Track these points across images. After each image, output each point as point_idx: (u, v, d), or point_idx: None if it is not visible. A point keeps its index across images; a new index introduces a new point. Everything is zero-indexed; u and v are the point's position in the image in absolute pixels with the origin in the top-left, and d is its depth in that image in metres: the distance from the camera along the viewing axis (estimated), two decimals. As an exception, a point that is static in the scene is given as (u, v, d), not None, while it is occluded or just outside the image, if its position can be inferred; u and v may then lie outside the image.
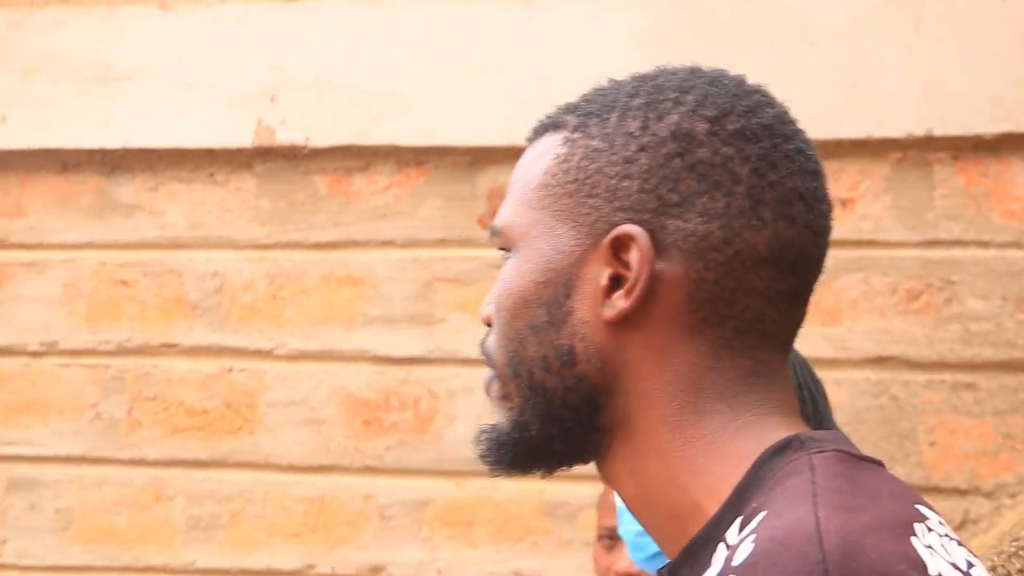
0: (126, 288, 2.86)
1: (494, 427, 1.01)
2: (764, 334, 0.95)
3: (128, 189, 2.90)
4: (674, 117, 0.96)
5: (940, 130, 2.60)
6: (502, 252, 1.02)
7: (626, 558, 2.21)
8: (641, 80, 1.00)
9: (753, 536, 0.81)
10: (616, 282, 0.94)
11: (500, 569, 2.68)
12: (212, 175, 2.88)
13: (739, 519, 0.87)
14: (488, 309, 1.02)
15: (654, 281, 0.93)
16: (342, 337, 2.78)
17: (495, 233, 1.02)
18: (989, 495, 2.47)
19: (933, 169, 2.60)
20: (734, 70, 2.82)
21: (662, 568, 0.98)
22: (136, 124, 2.88)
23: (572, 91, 2.93)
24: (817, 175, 0.99)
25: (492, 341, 1.01)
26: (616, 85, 1.02)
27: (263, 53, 2.85)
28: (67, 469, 2.82)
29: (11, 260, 2.90)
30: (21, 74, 2.91)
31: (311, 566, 2.73)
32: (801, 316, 0.99)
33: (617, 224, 0.94)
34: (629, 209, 0.94)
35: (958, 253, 2.59)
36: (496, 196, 2.78)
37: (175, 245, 2.88)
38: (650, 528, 0.98)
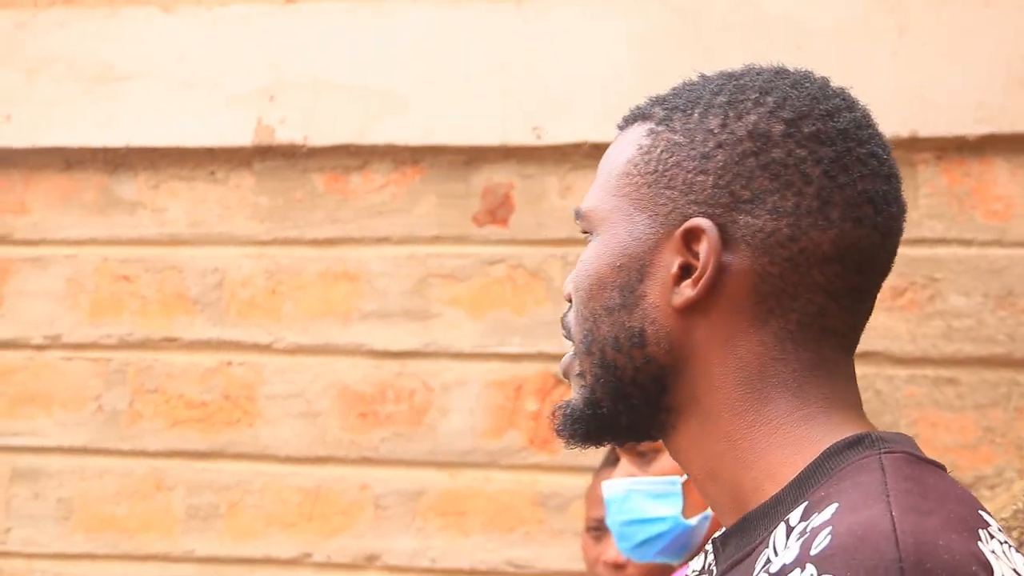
0: (128, 283, 2.92)
1: (568, 403, 1.06)
2: (825, 329, 0.99)
3: (130, 187, 2.96)
4: (752, 117, 1.00)
5: (924, 131, 2.65)
6: (585, 235, 1.07)
7: (613, 548, 2.27)
8: (727, 78, 1.05)
9: (830, 529, 0.85)
10: (685, 271, 1.00)
11: (492, 558, 2.73)
12: (212, 173, 2.93)
13: (803, 504, 0.91)
14: (569, 287, 1.07)
15: (721, 272, 0.98)
16: (339, 331, 2.84)
17: (580, 216, 1.07)
18: (969, 487, 2.53)
19: (917, 169, 2.65)
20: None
21: (716, 536, 1.04)
22: (138, 123, 2.93)
23: (567, 92, 2.98)
24: (890, 178, 1.04)
25: (571, 318, 1.06)
26: (704, 81, 1.06)
27: (263, 54, 2.91)
28: (70, 460, 2.87)
29: (15, 256, 2.95)
30: (26, 74, 2.97)
31: (307, 555, 2.78)
32: (866, 314, 1.03)
33: (690, 216, 0.99)
34: (703, 203, 0.99)
35: (941, 251, 2.64)
36: (491, 194, 2.84)
37: (176, 241, 2.93)
38: (711, 501, 1.03)
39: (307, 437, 2.81)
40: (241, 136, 2.89)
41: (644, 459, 1.91)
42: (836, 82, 2.96)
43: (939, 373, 2.62)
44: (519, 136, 2.81)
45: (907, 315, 2.62)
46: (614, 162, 1.05)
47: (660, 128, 1.03)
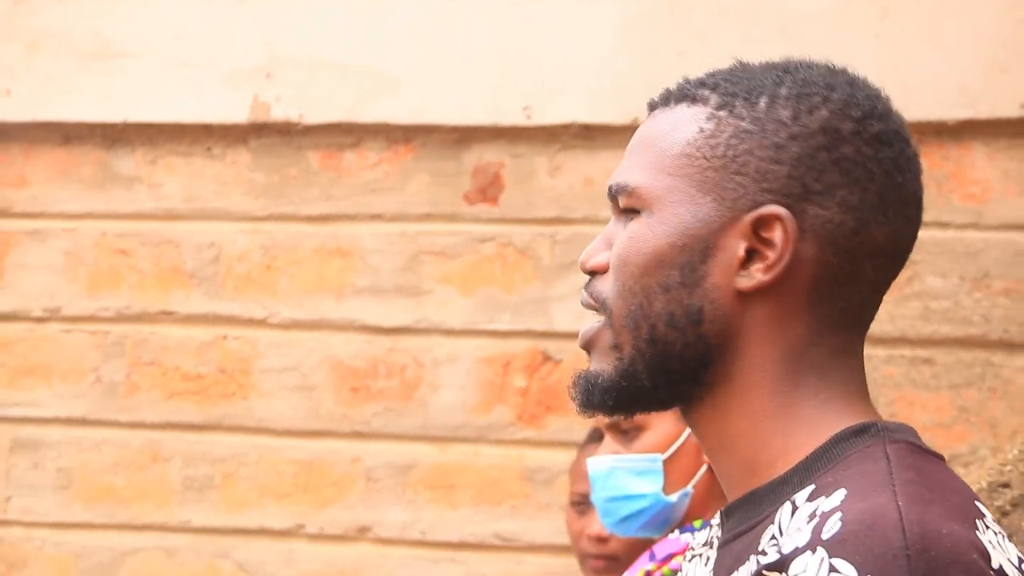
0: (125, 257, 2.98)
1: (597, 373, 1.07)
2: (859, 317, 1.05)
3: (128, 162, 3.01)
4: (824, 113, 1.04)
5: (905, 116, 2.69)
6: (621, 209, 1.08)
7: (597, 523, 2.34)
8: (783, 70, 1.07)
9: (840, 515, 0.91)
10: (749, 255, 1.03)
11: (480, 530, 2.81)
12: (209, 149, 2.99)
13: (810, 487, 0.97)
14: (598, 259, 1.08)
15: (792, 259, 1.02)
16: (332, 307, 2.90)
17: (623, 191, 1.07)
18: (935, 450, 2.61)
19: (898, 153, 2.72)
20: (712, 54, 2.94)
21: (722, 510, 1.09)
22: (136, 99, 2.98)
23: (557, 74, 3.03)
24: (921, 179, 1.11)
25: (609, 291, 1.07)
26: (753, 70, 1.09)
27: (259, 32, 2.96)
28: (68, 430, 2.95)
29: (15, 229, 3.02)
30: (25, 49, 3.02)
31: (301, 525, 2.86)
32: (880, 303, 1.09)
33: (761, 203, 1.03)
34: (776, 191, 1.03)
35: (919, 233, 2.70)
36: (481, 173, 2.90)
37: (173, 216, 2.99)
38: (722, 474, 1.08)
39: (301, 410, 2.88)
40: (237, 113, 2.95)
41: (627, 436, 1.97)
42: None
43: (916, 353, 2.69)
44: (510, 116, 2.87)
45: (885, 296, 2.68)
46: (664, 141, 1.06)
47: (722, 113, 1.05)
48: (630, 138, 3.02)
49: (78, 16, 3.02)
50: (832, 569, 0.88)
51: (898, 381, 2.69)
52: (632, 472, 1.94)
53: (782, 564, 0.92)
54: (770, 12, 2.78)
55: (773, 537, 0.98)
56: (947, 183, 2.71)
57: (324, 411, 2.88)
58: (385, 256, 2.91)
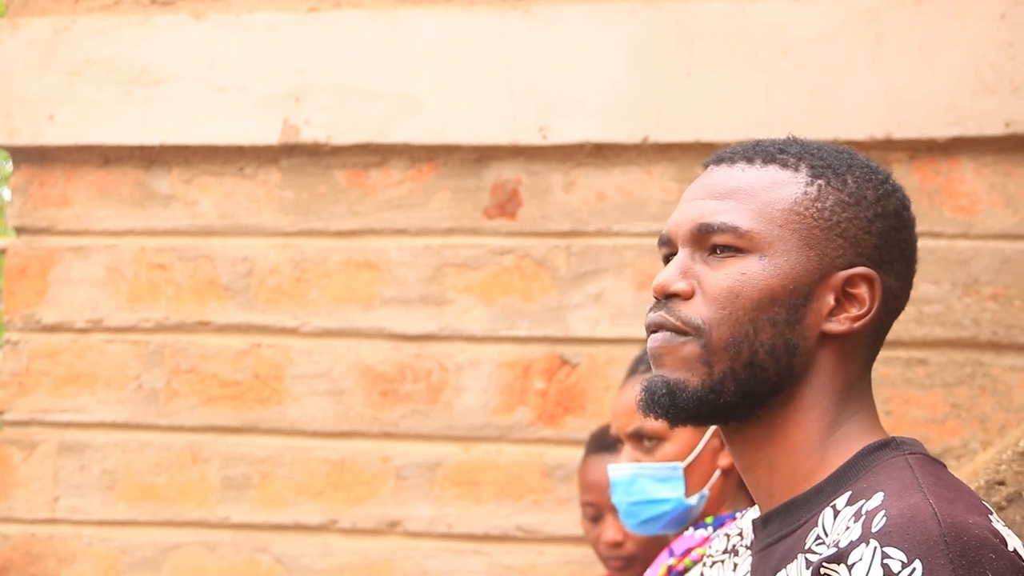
0: (164, 271, 3.12)
1: (683, 382, 1.22)
2: (875, 357, 1.28)
3: (164, 182, 3.15)
4: (894, 201, 1.27)
5: (898, 133, 2.87)
6: (712, 246, 1.24)
7: (611, 528, 2.50)
8: (844, 153, 1.28)
9: (884, 512, 1.09)
10: (836, 304, 1.23)
11: (504, 524, 2.94)
12: (241, 169, 3.13)
13: (847, 493, 1.16)
14: (680, 286, 1.23)
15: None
16: (361, 316, 3.04)
17: (728, 230, 1.23)
18: (938, 457, 2.76)
19: (891, 168, 2.86)
20: (717, 76, 3.13)
21: (756, 519, 1.27)
22: (172, 123, 3.12)
23: (571, 95, 3.17)
24: None
25: (706, 316, 1.22)
26: (819, 144, 1.29)
27: (289, 59, 3.10)
28: (113, 434, 3.08)
29: (59, 245, 3.16)
30: (67, 77, 3.16)
31: (334, 521, 2.99)
32: None
33: (854, 265, 1.23)
34: (865, 256, 1.24)
35: (913, 243, 2.86)
36: (500, 190, 3.03)
37: (208, 233, 3.13)
38: (759, 485, 1.25)
39: (332, 413, 3.01)
40: (268, 135, 3.08)
41: (648, 446, 2.11)
42: (818, 86, 3.18)
43: (911, 355, 2.84)
44: (526, 136, 3.00)
45: (882, 301, 2.83)
46: (770, 195, 1.24)
47: (820, 182, 1.24)
48: (640, 156, 3.19)
49: (117, 45, 3.15)
50: (885, 556, 1.06)
51: (894, 380, 2.83)
52: (654, 479, 2.07)
53: (840, 556, 1.09)
54: (772, 37, 2.91)
55: (818, 537, 1.16)
56: (938, 196, 2.86)
57: (354, 414, 3.01)
58: (410, 268, 3.04)
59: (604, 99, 2.98)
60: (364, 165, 3.09)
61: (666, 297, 1.24)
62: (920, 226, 2.86)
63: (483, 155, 3.04)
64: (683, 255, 1.25)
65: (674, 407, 1.22)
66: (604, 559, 2.57)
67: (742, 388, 1.21)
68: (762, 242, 1.22)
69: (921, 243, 2.80)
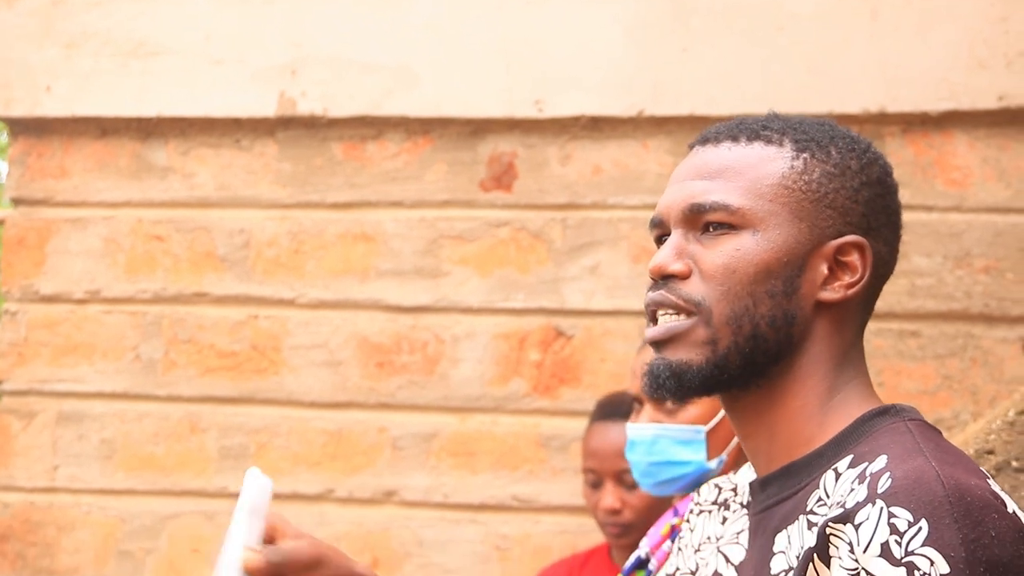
0: (161, 243, 3.14)
1: (686, 363, 1.25)
2: (867, 323, 1.31)
3: (162, 153, 3.17)
4: (878, 168, 1.30)
5: (892, 107, 2.89)
6: (705, 223, 1.26)
7: (610, 495, 2.53)
8: (825, 126, 1.31)
9: (888, 474, 1.12)
10: (829, 273, 1.26)
11: (499, 494, 2.97)
12: (238, 141, 3.15)
13: (849, 456, 1.19)
14: (677, 266, 1.26)
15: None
16: (357, 288, 3.06)
17: (720, 208, 1.26)
18: (929, 428, 2.79)
19: (885, 141, 2.89)
20: (713, 51, 3.14)
21: (754, 481, 1.29)
22: (169, 95, 3.13)
23: (567, 69, 3.18)
24: None
25: (707, 294, 1.25)
26: (799, 119, 1.31)
27: (285, 31, 3.10)
28: (111, 404, 3.10)
29: (57, 217, 3.17)
30: (64, 49, 3.17)
31: (331, 491, 3.02)
32: None
33: (845, 233, 1.26)
34: (855, 225, 1.27)
35: (906, 216, 2.80)
36: (496, 163, 3.05)
37: (205, 204, 3.14)
38: (757, 451, 1.28)
39: (329, 384, 3.04)
40: (265, 107, 3.09)
41: (669, 410, 2.13)
42: (814, 61, 3.19)
43: (903, 327, 2.86)
44: (522, 109, 3.01)
45: (875, 274, 2.85)
46: (757, 171, 1.27)
47: (805, 155, 1.27)
48: (635, 130, 3.21)
49: (114, 17, 3.15)
50: (892, 515, 1.09)
51: (886, 352, 2.86)
52: (676, 441, 2.09)
53: (847, 516, 1.11)
54: (768, 12, 2.93)
55: (820, 499, 1.19)
56: (931, 169, 2.89)
57: (351, 385, 3.04)
58: (406, 240, 3.06)
59: (600, 73, 2.99)
60: (360, 138, 3.10)
61: (663, 278, 1.27)
62: (913, 199, 2.92)
63: (479, 128, 3.05)
64: (676, 236, 1.28)
65: (680, 388, 1.26)
66: (602, 525, 2.60)
67: (745, 360, 1.24)
68: (754, 218, 1.25)
69: (914, 216, 2.87)
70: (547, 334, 2.99)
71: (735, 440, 2.07)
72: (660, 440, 2.09)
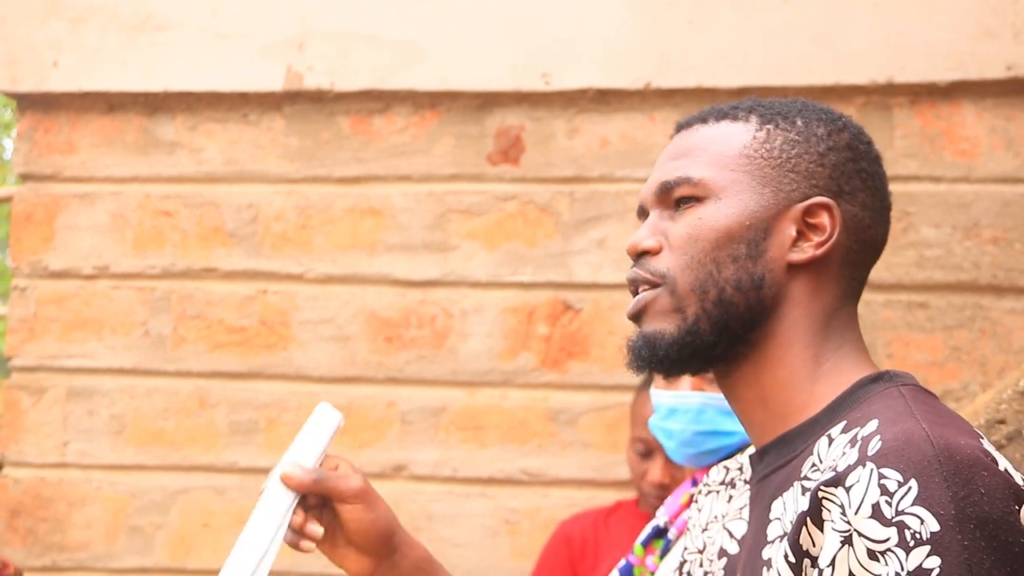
0: (169, 218, 3.15)
1: (659, 333, 1.27)
2: (857, 291, 1.31)
3: (169, 128, 3.17)
4: (847, 134, 1.31)
5: (900, 78, 2.88)
6: (675, 200, 1.29)
7: (659, 469, 2.52)
8: (798, 102, 1.33)
9: (879, 437, 1.12)
10: (798, 236, 1.27)
11: (508, 467, 2.98)
12: (245, 116, 3.15)
13: (842, 423, 1.20)
14: (649, 242, 1.29)
15: (833, 240, 1.27)
16: (365, 262, 3.07)
17: (684, 182, 1.29)
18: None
19: (893, 112, 2.89)
20: (718, 23, 3.13)
21: (753, 453, 1.30)
22: (176, 69, 3.13)
23: (574, 42, 3.16)
24: None
25: (672, 264, 1.27)
26: (774, 99, 1.34)
27: (292, 5, 3.10)
28: (120, 380, 3.11)
29: (65, 192, 3.18)
30: (71, 24, 3.17)
31: (340, 465, 3.03)
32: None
33: (810, 196, 1.28)
34: (821, 187, 1.28)
35: (914, 187, 2.88)
36: (503, 136, 3.06)
37: (212, 179, 3.15)
38: (753, 423, 1.29)
39: (338, 359, 3.05)
40: (272, 82, 3.10)
41: (710, 379, 2.12)
42: (819, 32, 3.18)
43: (911, 298, 2.86)
44: (529, 82, 3.02)
45: (883, 246, 2.85)
46: (721, 145, 1.29)
47: (769, 126, 1.29)
48: (642, 102, 3.22)
49: (120, -9, 3.16)
50: (882, 477, 1.09)
51: (895, 324, 2.86)
52: (723, 412, 2.06)
53: (838, 479, 1.12)
54: (775, -18, 2.93)
55: (814, 464, 1.20)
56: (939, 140, 2.88)
57: (360, 359, 3.05)
58: (414, 214, 3.07)
59: (606, 46, 2.99)
60: (367, 112, 3.10)
61: (638, 256, 1.30)
62: (921, 170, 2.91)
63: (486, 101, 3.06)
64: (652, 216, 1.31)
65: (655, 358, 1.27)
66: (644, 496, 2.61)
67: (716, 326, 1.25)
68: (715, 187, 1.27)
69: (922, 187, 2.86)
70: (555, 308, 2.99)
71: None
72: (708, 409, 2.07)
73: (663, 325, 1.27)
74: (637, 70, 2.97)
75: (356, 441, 3.01)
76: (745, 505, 1.34)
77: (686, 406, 2.09)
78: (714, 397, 2.07)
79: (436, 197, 3.06)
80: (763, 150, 1.28)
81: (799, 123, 1.30)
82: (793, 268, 1.26)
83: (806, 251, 1.26)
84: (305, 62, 3.09)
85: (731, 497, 1.40)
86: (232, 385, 3.07)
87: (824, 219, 1.26)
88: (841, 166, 1.28)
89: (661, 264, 1.28)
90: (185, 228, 3.13)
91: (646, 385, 2.56)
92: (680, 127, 1.35)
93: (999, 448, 2.31)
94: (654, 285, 1.28)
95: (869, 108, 2.89)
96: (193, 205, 3.14)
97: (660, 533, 1.99)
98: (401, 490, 2.99)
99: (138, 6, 3.15)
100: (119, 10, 3.15)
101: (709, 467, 2.11)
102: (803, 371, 1.26)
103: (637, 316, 1.29)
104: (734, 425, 2.05)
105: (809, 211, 1.27)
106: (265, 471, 3.03)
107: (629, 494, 2.83)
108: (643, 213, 1.34)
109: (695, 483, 2.02)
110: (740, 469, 1.43)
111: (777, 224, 1.26)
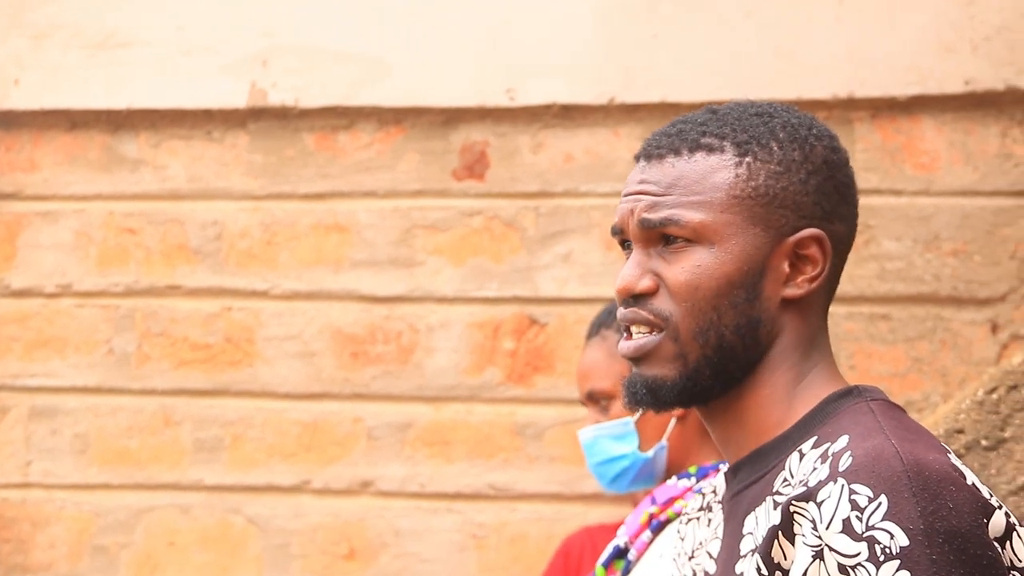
0: (133, 236, 3.13)
1: (661, 379, 1.27)
2: (830, 303, 1.32)
3: (132, 146, 3.16)
4: (820, 149, 1.29)
5: (861, 92, 2.91)
6: (663, 239, 1.27)
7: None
8: (763, 116, 1.30)
9: (849, 452, 1.14)
10: (791, 270, 1.27)
11: (475, 483, 2.98)
12: (209, 133, 3.14)
13: (813, 438, 1.21)
14: (645, 283, 1.27)
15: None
16: (331, 279, 3.06)
17: (673, 224, 1.27)
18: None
19: (854, 126, 2.91)
20: (683, 37, 3.16)
21: (727, 470, 1.31)
22: (139, 86, 3.12)
23: (538, 58, 3.19)
24: None
25: (673, 310, 1.26)
26: (732, 116, 1.31)
27: (256, 21, 3.09)
28: (84, 398, 3.09)
29: (27, 211, 3.15)
30: (33, 40, 3.15)
31: (307, 482, 3.02)
32: None
33: (800, 228, 1.27)
34: (807, 216, 1.27)
35: (875, 200, 2.91)
36: (468, 152, 3.06)
37: (176, 196, 3.14)
38: (728, 440, 1.29)
39: (304, 375, 3.04)
40: (236, 98, 3.09)
41: (602, 406, 2.16)
42: (782, 46, 3.21)
43: (873, 310, 2.88)
44: (494, 98, 3.02)
45: (846, 259, 2.88)
46: (705, 183, 1.27)
47: (748, 159, 1.27)
48: (606, 117, 3.22)
49: (83, 8, 3.14)
50: (853, 492, 1.11)
51: (857, 336, 2.88)
52: (611, 437, 2.13)
53: (809, 495, 1.14)
54: (737, -2, 2.95)
55: (785, 479, 1.21)
56: (899, 154, 2.91)
57: (326, 375, 3.04)
58: (379, 230, 3.06)
59: (571, 61, 3.00)
60: (332, 128, 3.10)
61: (632, 297, 1.29)
62: (882, 184, 2.94)
63: (451, 117, 3.06)
64: (638, 253, 1.30)
65: (656, 401, 1.28)
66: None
67: (715, 369, 1.26)
68: (707, 231, 1.26)
69: (883, 200, 2.89)
70: (521, 322, 3.00)
71: (672, 423, 2.09)
72: (599, 440, 2.14)
73: (665, 371, 1.27)
74: (601, 85, 2.98)
75: (322, 458, 3.01)
76: (720, 523, 1.35)
77: (586, 443, 2.17)
78: (604, 426, 2.14)
79: (401, 213, 3.06)
80: (749, 188, 1.27)
81: (775, 149, 1.28)
82: (786, 302, 1.27)
83: (801, 286, 1.27)
84: (269, 79, 3.09)
85: (710, 521, 1.41)
86: (197, 403, 3.06)
87: (814, 250, 1.26)
88: (821, 187, 1.28)
89: (664, 306, 1.27)
90: (149, 245, 3.12)
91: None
92: (649, 155, 1.32)
93: (959, 458, 2.34)
94: (655, 326, 1.27)
95: (831, 122, 2.90)
96: (157, 222, 3.13)
97: (621, 554, 2.00)
98: (368, 506, 2.98)
99: (101, 23, 3.14)
100: (82, 27, 3.14)
101: (637, 490, 2.15)
102: (782, 391, 1.27)
103: (637, 359, 1.29)
104: (623, 447, 2.11)
105: (800, 244, 1.26)
106: (231, 489, 3.02)
107: (596, 508, 2.84)
108: (619, 233, 1.33)
109: (653, 501, 2.03)
110: (714, 492, 1.44)
111: (771, 262, 1.26)
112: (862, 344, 2.87)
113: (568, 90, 3.00)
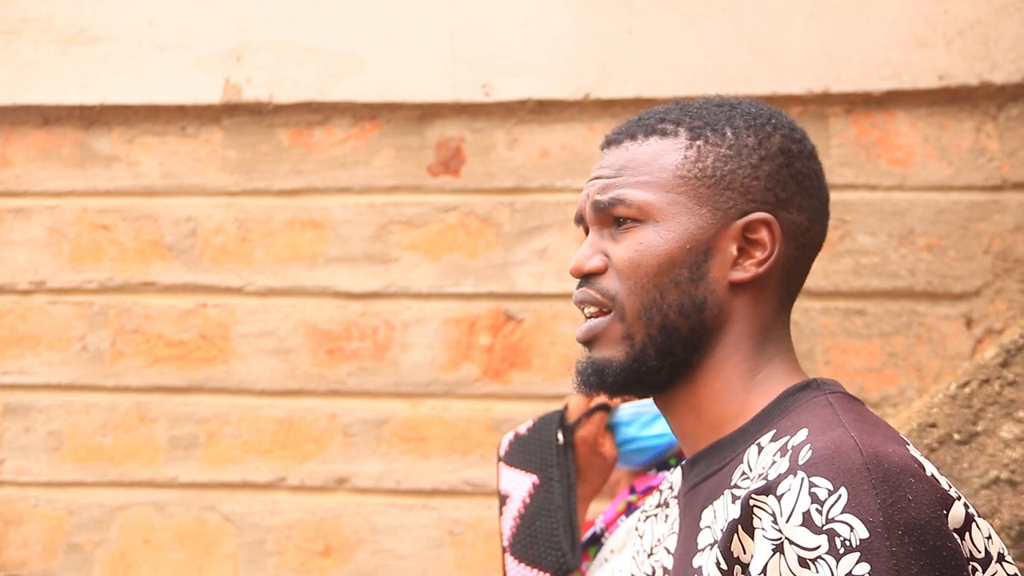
0: (106, 232, 3.11)
1: (608, 360, 1.27)
2: (794, 296, 1.32)
3: (106, 142, 3.14)
4: (778, 138, 1.29)
5: (836, 87, 2.91)
6: (614, 220, 1.28)
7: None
8: (725, 106, 1.31)
9: (809, 446, 1.14)
10: (739, 253, 1.26)
11: (451, 479, 2.97)
12: (183, 129, 3.13)
13: (772, 431, 1.21)
14: (593, 263, 1.29)
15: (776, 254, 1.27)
16: (306, 275, 3.05)
17: (620, 203, 1.28)
18: (875, 405, 2.82)
19: (829, 121, 2.92)
20: (657, 33, 3.15)
21: (684, 463, 1.31)
22: (112, 82, 3.10)
23: (513, 53, 3.18)
24: None
25: (618, 289, 1.27)
26: (696, 106, 1.31)
27: (230, 17, 3.09)
28: (58, 396, 3.07)
29: (0, 207, 3.14)
30: (4, 36, 3.13)
31: (282, 479, 3.01)
32: None
33: (749, 212, 1.27)
34: (758, 201, 1.27)
35: (850, 195, 2.91)
36: (444, 147, 3.05)
37: (150, 193, 3.12)
38: (685, 433, 1.29)
39: (279, 372, 3.03)
40: (210, 94, 3.08)
41: None
42: (756, 41, 3.21)
43: (849, 305, 2.89)
44: (469, 93, 3.01)
45: (820, 254, 2.87)
46: (653, 165, 1.29)
47: (699, 143, 1.28)
48: (582, 112, 3.21)
49: (55, 3, 3.12)
50: (812, 485, 1.11)
51: (833, 331, 2.88)
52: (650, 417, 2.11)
53: (769, 488, 1.14)
54: (711, -7, 2.95)
55: (743, 473, 1.21)
56: (874, 149, 2.91)
57: (301, 372, 3.03)
58: (355, 226, 3.05)
59: (546, 57, 3.00)
60: (307, 123, 3.09)
61: (583, 277, 1.30)
62: (857, 179, 2.94)
63: (426, 113, 3.05)
64: (593, 234, 1.31)
65: (603, 383, 1.28)
66: None
67: (661, 351, 1.26)
68: (653, 210, 1.27)
69: (858, 195, 2.89)
70: (497, 318, 2.99)
71: None
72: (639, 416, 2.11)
73: (612, 352, 1.27)
74: (576, 80, 2.98)
75: (298, 454, 2.99)
76: (676, 518, 1.35)
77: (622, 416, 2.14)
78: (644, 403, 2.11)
79: (377, 209, 3.05)
80: (696, 169, 1.27)
81: (729, 135, 1.28)
82: (734, 286, 1.27)
83: (748, 270, 1.26)
84: (244, 74, 3.08)
85: (667, 517, 1.41)
86: (172, 399, 3.04)
87: (763, 235, 1.26)
88: (775, 174, 1.28)
89: (610, 285, 1.28)
90: (123, 242, 3.10)
91: None
92: (609, 141, 1.34)
93: (931, 452, 2.35)
94: (603, 307, 1.28)
95: (806, 117, 2.92)
96: (131, 219, 3.11)
97: (596, 539, 2.01)
98: (344, 502, 2.97)
99: (73, 17, 3.12)
100: (54, 21, 3.12)
101: (645, 470, 2.15)
102: (738, 383, 1.27)
103: (588, 342, 1.29)
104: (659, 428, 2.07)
105: (749, 227, 1.26)
106: (206, 486, 3.01)
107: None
108: (580, 221, 1.34)
109: (633, 491, 2.03)
110: (671, 487, 1.44)
111: (717, 244, 1.26)
112: (837, 339, 2.87)
113: (543, 86, 2.99)
